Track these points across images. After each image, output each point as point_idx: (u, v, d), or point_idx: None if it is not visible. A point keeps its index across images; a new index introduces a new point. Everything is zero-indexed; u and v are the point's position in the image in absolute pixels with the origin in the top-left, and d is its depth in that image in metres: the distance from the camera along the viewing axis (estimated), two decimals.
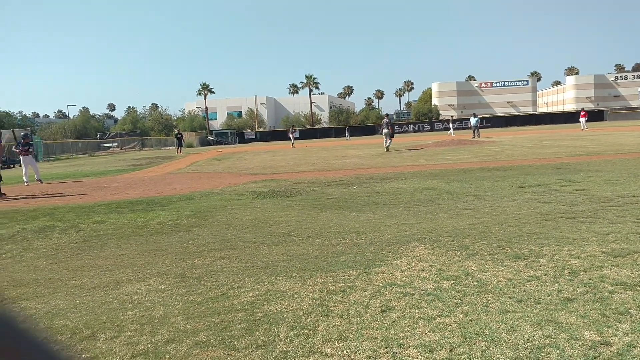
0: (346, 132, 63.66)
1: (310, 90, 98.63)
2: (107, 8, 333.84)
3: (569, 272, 4.46)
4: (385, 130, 26.29)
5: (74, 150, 50.49)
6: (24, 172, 17.33)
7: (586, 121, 41.03)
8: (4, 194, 13.62)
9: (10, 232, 8.10)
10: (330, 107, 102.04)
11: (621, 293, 3.89)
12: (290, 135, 47.05)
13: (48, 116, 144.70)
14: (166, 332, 3.66)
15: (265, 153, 32.79)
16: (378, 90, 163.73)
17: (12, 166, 32.95)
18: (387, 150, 25.40)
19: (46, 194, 13.73)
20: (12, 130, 15.90)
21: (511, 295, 4.00)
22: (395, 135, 32.11)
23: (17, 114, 73.98)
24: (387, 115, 30.28)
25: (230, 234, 7.08)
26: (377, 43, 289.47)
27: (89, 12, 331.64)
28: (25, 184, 16.83)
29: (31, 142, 19.10)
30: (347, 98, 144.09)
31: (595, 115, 68.91)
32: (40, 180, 17.17)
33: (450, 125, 46.15)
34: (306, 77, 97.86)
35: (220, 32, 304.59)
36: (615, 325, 3.33)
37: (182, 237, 7.02)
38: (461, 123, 64.15)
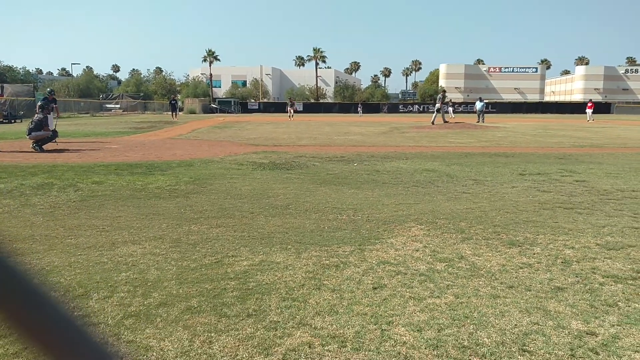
0: (359, 108, 63.20)
1: (317, 64, 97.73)
2: None
3: (562, 262, 4.49)
4: (437, 105, 29.63)
5: (76, 109, 50.38)
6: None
7: (592, 113, 40.85)
8: None
9: (8, 187, 8.11)
10: (336, 82, 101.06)
11: (611, 285, 3.92)
12: (289, 109, 47.08)
13: (51, 73, 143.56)
14: (159, 295, 3.69)
15: (267, 124, 32.66)
16: (385, 68, 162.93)
17: (12, 121, 32.88)
18: (433, 124, 28.20)
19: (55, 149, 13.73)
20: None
21: (503, 280, 4.02)
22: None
23: (20, 68, 73.34)
24: (444, 91, 33.75)
25: (228, 202, 7.10)
26: (387, 20, 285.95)
27: None
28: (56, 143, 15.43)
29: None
30: (353, 74, 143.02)
31: (602, 108, 68.37)
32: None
33: (450, 108, 46.82)
34: (314, 49, 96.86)
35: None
36: (603, 316, 3.36)
37: (180, 203, 7.04)
38: (460, 106, 64.12)
